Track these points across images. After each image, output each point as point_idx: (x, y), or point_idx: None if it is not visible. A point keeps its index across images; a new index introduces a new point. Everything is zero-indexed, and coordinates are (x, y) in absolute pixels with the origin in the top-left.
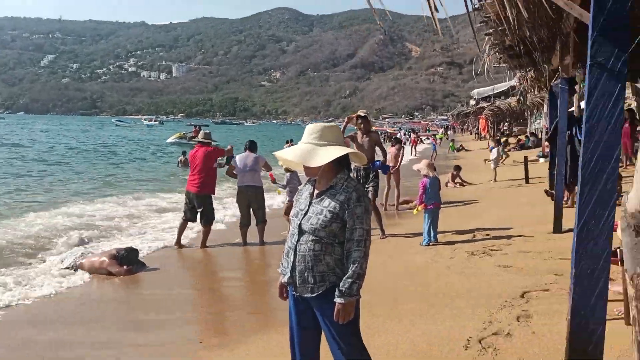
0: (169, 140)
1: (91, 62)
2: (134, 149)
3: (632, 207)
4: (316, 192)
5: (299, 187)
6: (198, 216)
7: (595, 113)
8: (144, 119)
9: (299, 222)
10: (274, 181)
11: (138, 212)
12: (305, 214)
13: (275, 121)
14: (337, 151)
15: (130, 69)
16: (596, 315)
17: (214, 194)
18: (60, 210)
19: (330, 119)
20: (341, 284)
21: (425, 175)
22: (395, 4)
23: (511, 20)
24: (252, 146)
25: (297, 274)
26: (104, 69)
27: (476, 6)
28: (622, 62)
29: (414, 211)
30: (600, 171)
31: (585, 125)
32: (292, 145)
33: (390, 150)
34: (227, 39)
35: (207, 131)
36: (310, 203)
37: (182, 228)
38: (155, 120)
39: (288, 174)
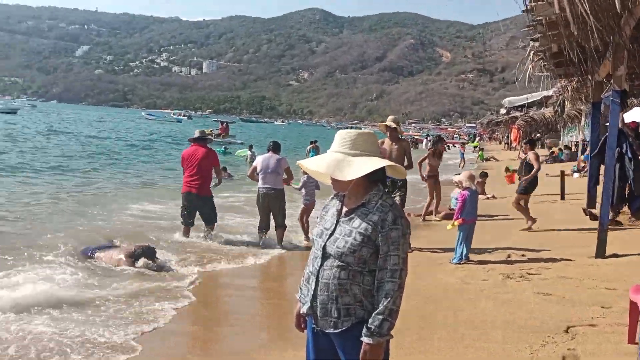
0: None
1: (124, 55)
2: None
3: None
4: (345, 209)
5: (325, 203)
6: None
7: None
8: (173, 113)
9: (323, 243)
10: (287, 184)
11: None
12: (331, 234)
13: (300, 121)
14: (371, 163)
15: (162, 64)
16: None
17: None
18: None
19: (355, 122)
20: (370, 320)
21: (466, 188)
22: (428, 9)
23: (572, 21)
24: (275, 147)
25: (318, 304)
26: (137, 62)
27: (524, 8)
28: None
29: (449, 226)
30: None
31: None
32: (315, 146)
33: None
34: (258, 38)
35: (209, 130)
36: (337, 222)
37: (186, 234)
38: (184, 115)
39: (305, 176)
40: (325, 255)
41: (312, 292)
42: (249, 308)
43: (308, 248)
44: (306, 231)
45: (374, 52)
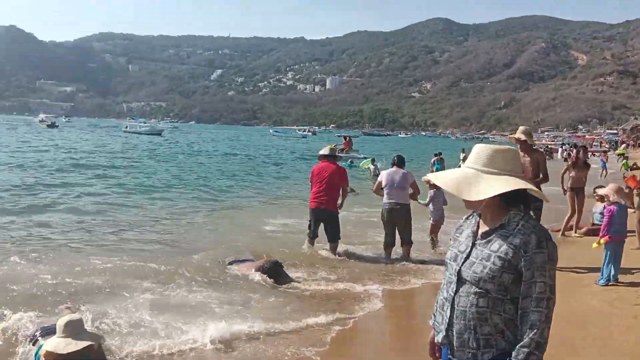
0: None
1: (254, 76)
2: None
3: None
4: (481, 230)
5: (458, 224)
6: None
7: None
8: (298, 130)
9: (457, 267)
10: (414, 199)
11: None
12: (466, 258)
13: (423, 133)
14: (505, 184)
15: (288, 82)
16: None
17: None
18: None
19: (482, 131)
20: (514, 353)
21: (614, 202)
22: (559, 11)
23: None
24: (400, 161)
25: (454, 333)
26: (265, 82)
27: None
28: None
29: (595, 244)
30: None
31: None
32: (440, 158)
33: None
34: (380, 52)
35: (334, 146)
36: (472, 244)
37: (310, 244)
38: (308, 131)
39: (432, 191)
40: (460, 281)
41: (447, 320)
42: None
43: (436, 263)
44: (435, 246)
45: (502, 58)
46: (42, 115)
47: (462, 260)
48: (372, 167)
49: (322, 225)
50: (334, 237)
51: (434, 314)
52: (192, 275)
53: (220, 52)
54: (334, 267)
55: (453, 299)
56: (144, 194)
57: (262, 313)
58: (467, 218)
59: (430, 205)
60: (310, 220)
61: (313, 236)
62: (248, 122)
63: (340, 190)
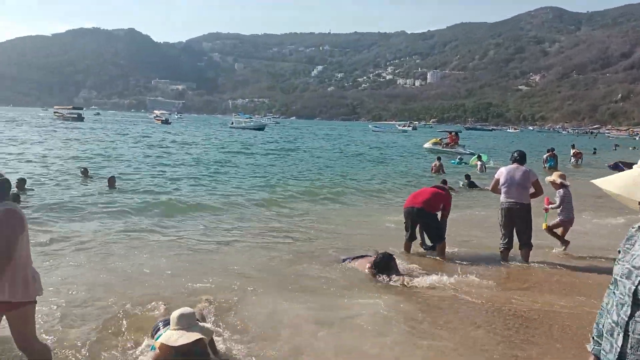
0: (425, 146)
1: (353, 72)
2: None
3: None
4: None
5: (628, 233)
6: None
7: None
8: (398, 124)
9: (633, 287)
10: (547, 205)
11: None
12: None
13: (531, 127)
14: None
15: (387, 77)
16: None
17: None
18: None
19: (596, 126)
20: None
21: None
22: None
23: None
24: (521, 158)
25: None
26: (364, 77)
27: None
28: None
29: None
30: None
31: None
32: (553, 154)
33: None
34: (484, 43)
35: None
36: None
37: (407, 248)
38: (408, 126)
39: (561, 190)
40: (636, 303)
41: (618, 349)
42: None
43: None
44: (562, 242)
45: (619, 48)
46: (156, 112)
47: (639, 279)
48: (479, 163)
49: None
50: (436, 238)
51: (593, 338)
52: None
53: (321, 48)
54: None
55: (627, 324)
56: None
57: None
58: (638, 228)
59: (560, 205)
60: (407, 220)
61: (410, 238)
62: (347, 117)
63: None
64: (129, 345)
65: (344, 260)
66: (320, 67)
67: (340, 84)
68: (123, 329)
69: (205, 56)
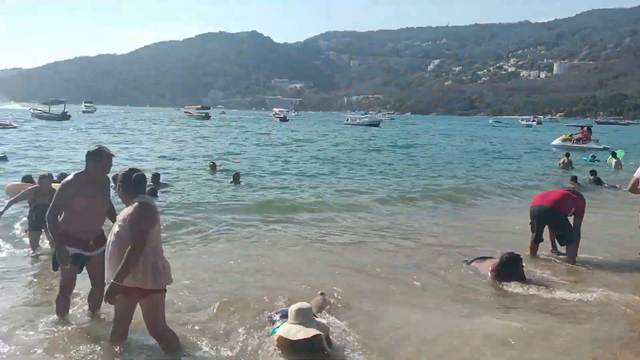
0: (554, 143)
1: (472, 65)
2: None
3: None
4: None
5: None
6: None
7: None
8: (520, 119)
9: None
10: None
11: None
12: None
13: None
14: None
15: (509, 69)
16: None
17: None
18: None
19: None
20: None
21: None
22: None
23: None
24: None
25: None
26: (484, 70)
27: None
28: None
29: None
30: None
31: None
32: None
33: None
34: (619, 31)
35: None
36: None
37: (533, 250)
38: (532, 120)
39: None
40: None
41: None
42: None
43: None
44: None
45: None
46: (275, 110)
47: None
48: (614, 161)
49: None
50: (565, 240)
51: None
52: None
53: (438, 42)
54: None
55: None
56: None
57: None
58: None
59: None
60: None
61: (537, 240)
62: (465, 112)
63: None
64: (248, 332)
65: (468, 263)
66: (436, 61)
67: (458, 77)
68: (242, 317)
69: (322, 54)
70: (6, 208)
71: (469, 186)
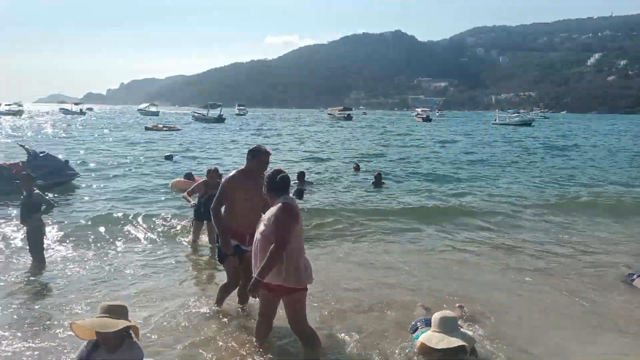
0: None
1: None
2: None
3: None
4: None
5: None
6: None
7: None
8: None
9: None
10: None
11: None
12: None
13: None
14: None
15: None
16: None
17: None
18: None
19: None
20: None
21: None
22: None
23: None
24: None
25: None
26: None
27: None
28: None
29: None
30: None
31: None
32: None
33: None
34: None
35: None
36: None
37: None
38: None
39: None
40: None
41: None
42: None
43: None
44: None
45: None
46: (417, 110)
47: None
48: None
49: None
50: None
51: None
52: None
53: (599, 34)
54: None
55: None
56: None
57: None
58: None
59: None
60: None
61: None
62: (631, 110)
63: None
64: (388, 334)
65: (630, 277)
66: (597, 55)
67: (623, 72)
68: (382, 320)
69: (469, 51)
70: (186, 199)
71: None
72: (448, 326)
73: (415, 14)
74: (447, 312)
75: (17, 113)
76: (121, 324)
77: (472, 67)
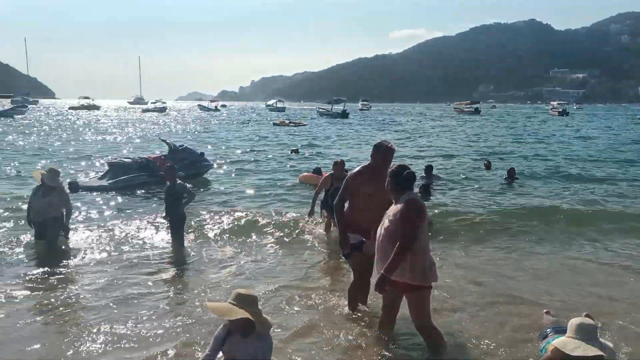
0: None
1: None
2: None
3: None
4: None
5: None
6: None
7: None
8: None
9: None
10: None
11: None
12: None
13: None
14: None
15: None
16: None
17: None
18: None
19: None
20: None
21: None
22: None
23: None
24: None
25: None
26: None
27: None
28: None
29: None
30: None
31: None
32: None
33: None
34: None
35: None
36: None
37: None
38: None
39: None
40: None
41: None
42: None
43: None
44: None
45: None
46: (553, 103)
47: None
48: None
49: None
50: None
51: None
52: None
53: None
54: None
55: None
56: None
57: None
58: None
59: None
60: None
61: None
62: None
63: None
64: (515, 337)
65: None
66: None
67: None
68: (504, 326)
69: (612, 39)
70: (314, 201)
71: None
72: (586, 333)
73: (551, 1)
74: (586, 319)
75: (162, 110)
76: (241, 314)
77: (616, 56)
